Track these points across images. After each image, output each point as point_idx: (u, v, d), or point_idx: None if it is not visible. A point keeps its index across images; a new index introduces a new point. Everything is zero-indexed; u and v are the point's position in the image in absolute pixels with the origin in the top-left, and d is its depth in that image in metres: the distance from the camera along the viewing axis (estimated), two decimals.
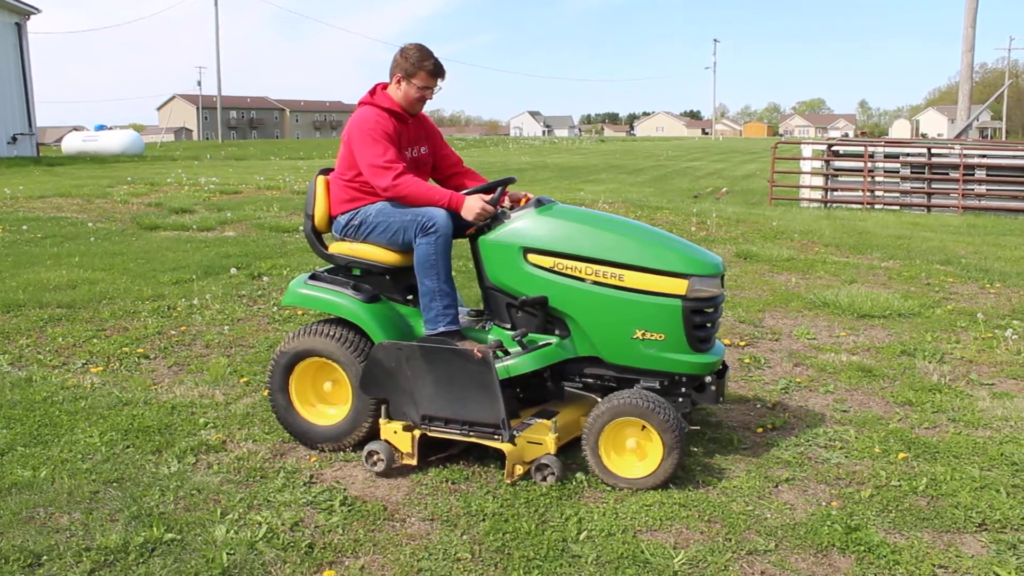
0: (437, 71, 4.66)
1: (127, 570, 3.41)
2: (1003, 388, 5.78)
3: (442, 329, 4.44)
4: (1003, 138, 79.93)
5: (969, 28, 26.44)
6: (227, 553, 3.52)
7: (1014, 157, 19.02)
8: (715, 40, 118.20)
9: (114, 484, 4.18)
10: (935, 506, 4.00)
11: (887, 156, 19.90)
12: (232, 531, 3.70)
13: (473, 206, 4.44)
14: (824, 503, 4.04)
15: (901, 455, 4.57)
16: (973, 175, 18.75)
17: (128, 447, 4.64)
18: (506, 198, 4.71)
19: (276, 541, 3.64)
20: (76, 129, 52.96)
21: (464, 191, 4.60)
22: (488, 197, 4.51)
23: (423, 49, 4.66)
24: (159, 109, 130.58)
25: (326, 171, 4.82)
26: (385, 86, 4.74)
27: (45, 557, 3.50)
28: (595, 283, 4.31)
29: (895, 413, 5.28)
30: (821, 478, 4.33)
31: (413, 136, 4.77)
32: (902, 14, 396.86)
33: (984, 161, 18.89)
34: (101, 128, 43.40)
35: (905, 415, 5.24)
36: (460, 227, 4.68)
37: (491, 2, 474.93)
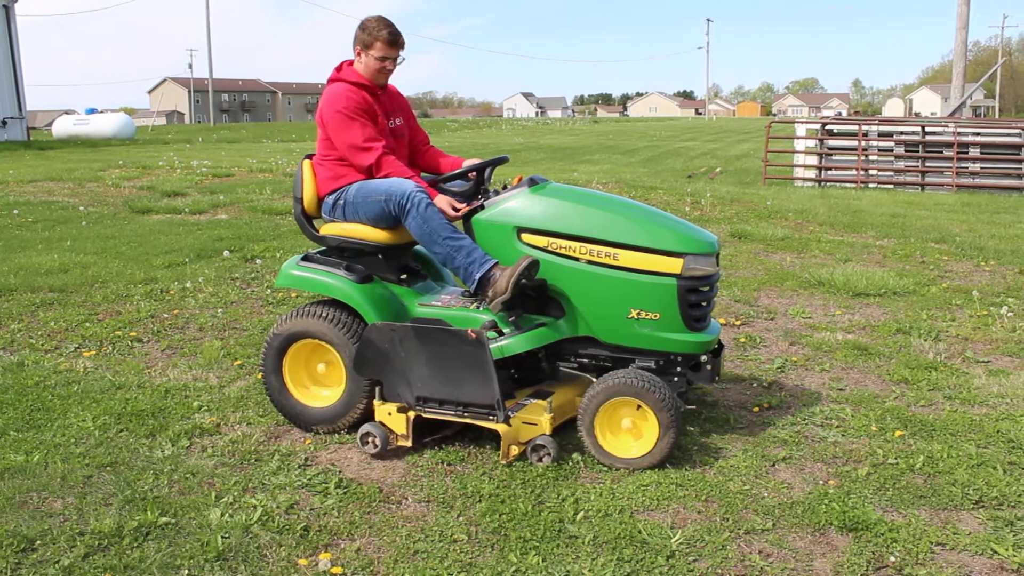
0: (393, 39, 4.61)
1: (121, 554, 3.39)
2: (999, 365, 5.78)
3: (480, 275, 4.31)
4: (996, 116, 79.89)
5: (963, 5, 26.34)
6: (222, 536, 3.50)
7: (1007, 135, 18.97)
8: (708, 19, 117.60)
9: (108, 468, 4.16)
10: (932, 484, 3.99)
11: (881, 135, 19.83)
12: (227, 514, 3.68)
13: (441, 202, 4.44)
14: (821, 481, 4.04)
15: (898, 433, 4.57)
16: (967, 153, 18.70)
17: (122, 431, 4.62)
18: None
19: (271, 524, 3.62)
20: (67, 113, 52.51)
21: (449, 173, 4.64)
22: (458, 202, 4.51)
23: (381, 19, 4.63)
24: (150, 92, 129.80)
25: (312, 156, 4.78)
26: (351, 63, 4.71)
27: (39, 542, 3.47)
28: (589, 262, 4.28)
29: (891, 391, 5.28)
30: (818, 457, 4.32)
31: (388, 107, 4.75)
32: None
33: (978, 139, 18.83)
34: (92, 111, 43.11)
35: (901, 393, 5.24)
36: None
37: None
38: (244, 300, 7.40)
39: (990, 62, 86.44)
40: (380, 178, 4.50)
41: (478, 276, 4.32)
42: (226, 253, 9.21)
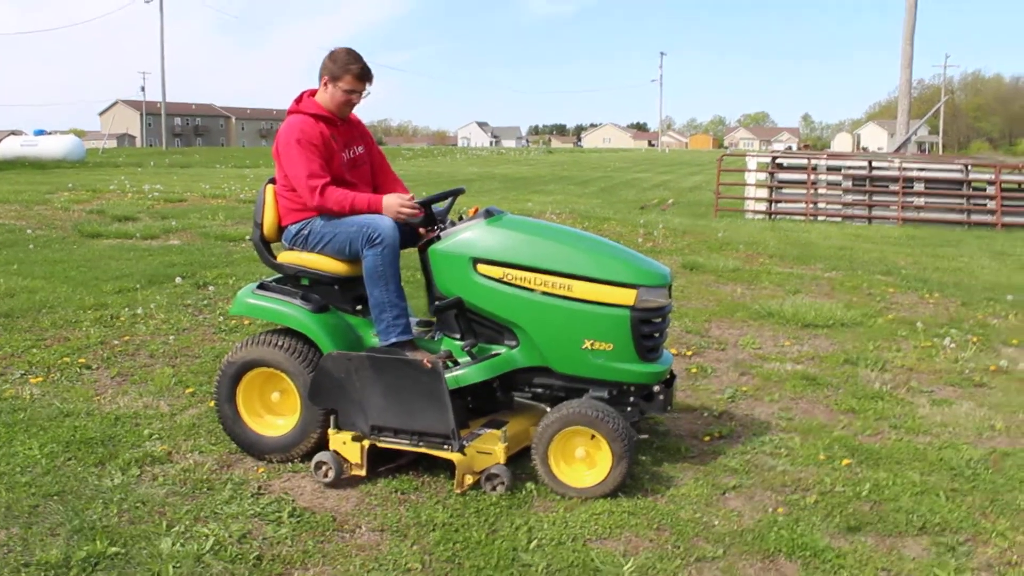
0: (364, 75, 4.63)
1: None
2: (942, 395, 5.92)
3: (394, 340, 4.42)
4: (940, 152, 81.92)
5: (907, 45, 27.09)
6: (173, 567, 3.46)
7: (950, 171, 19.55)
8: (662, 53, 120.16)
9: (55, 497, 4.08)
10: (878, 511, 4.08)
11: (830, 169, 20.29)
12: (178, 544, 3.64)
13: (392, 203, 4.47)
14: (770, 509, 4.10)
15: (845, 461, 4.66)
16: (912, 188, 19.22)
17: (70, 459, 4.54)
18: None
19: (223, 554, 3.59)
20: (14, 133, 51.67)
21: (431, 196, 4.65)
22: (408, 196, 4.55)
23: (351, 52, 4.63)
24: (101, 115, 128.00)
25: (274, 179, 4.77)
26: (312, 92, 4.71)
27: None
28: (544, 294, 4.33)
29: (839, 420, 5.38)
30: (767, 485, 4.39)
31: (347, 138, 4.74)
32: (844, 30, 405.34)
33: (922, 174, 19.39)
34: (40, 133, 42.49)
35: (848, 422, 5.35)
36: (410, 236, 4.67)
37: (439, 11, 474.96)
38: (196, 327, 7.33)
39: (934, 99, 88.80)
40: (335, 210, 4.49)
41: (392, 340, 4.43)
42: (178, 279, 9.12)
